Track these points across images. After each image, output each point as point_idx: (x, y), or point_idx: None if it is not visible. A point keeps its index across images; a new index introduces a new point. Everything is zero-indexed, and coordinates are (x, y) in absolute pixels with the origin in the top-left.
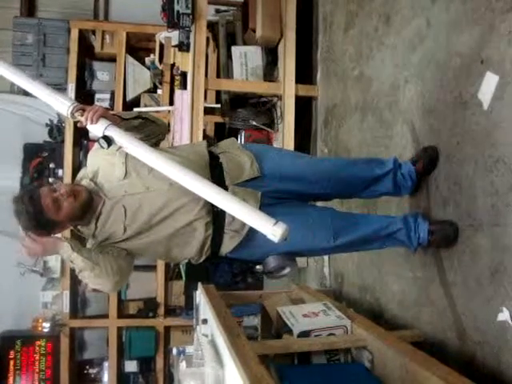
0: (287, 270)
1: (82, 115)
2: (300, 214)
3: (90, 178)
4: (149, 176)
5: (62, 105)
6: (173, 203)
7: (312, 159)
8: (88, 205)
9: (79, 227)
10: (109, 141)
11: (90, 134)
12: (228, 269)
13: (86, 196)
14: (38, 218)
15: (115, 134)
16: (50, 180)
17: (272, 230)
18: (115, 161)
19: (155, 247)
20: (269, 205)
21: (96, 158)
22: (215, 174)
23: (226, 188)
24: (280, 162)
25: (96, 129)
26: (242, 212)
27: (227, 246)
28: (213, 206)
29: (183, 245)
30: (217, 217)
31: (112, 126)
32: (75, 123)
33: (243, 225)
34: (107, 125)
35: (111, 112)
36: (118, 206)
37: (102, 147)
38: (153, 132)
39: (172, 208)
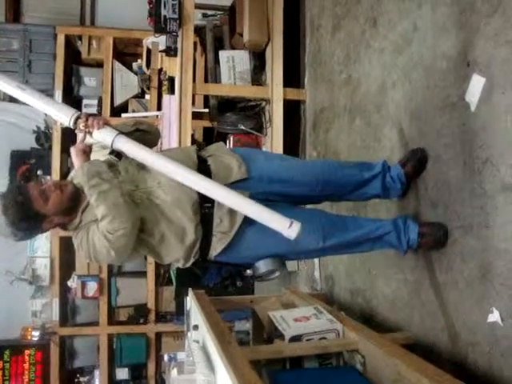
0: (277, 274)
1: (85, 123)
2: (288, 216)
3: None
4: (139, 174)
5: (63, 115)
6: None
7: (300, 162)
8: (75, 198)
9: (68, 226)
10: (119, 155)
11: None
12: (217, 272)
13: (72, 188)
14: (26, 209)
15: (125, 145)
16: (39, 173)
17: (288, 231)
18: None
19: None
20: None
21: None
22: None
23: None
24: (268, 164)
25: (103, 136)
26: (261, 214)
27: (215, 248)
28: (200, 207)
29: (171, 245)
30: (204, 218)
31: (120, 136)
32: (64, 130)
33: (231, 226)
34: (115, 135)
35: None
36: None
37: (116, 160)
38: (148, 142)
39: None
